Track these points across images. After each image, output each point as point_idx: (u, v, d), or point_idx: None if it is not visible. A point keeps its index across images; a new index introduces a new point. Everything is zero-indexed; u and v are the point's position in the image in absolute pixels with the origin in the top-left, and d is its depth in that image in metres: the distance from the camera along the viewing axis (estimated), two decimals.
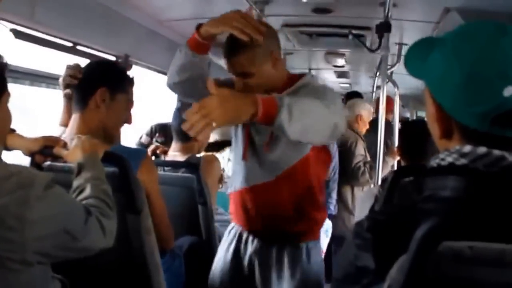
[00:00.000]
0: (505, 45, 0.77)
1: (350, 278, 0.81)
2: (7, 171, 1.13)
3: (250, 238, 1.96)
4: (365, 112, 3.78)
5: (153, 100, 4.49)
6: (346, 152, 3.62)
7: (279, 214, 1.87)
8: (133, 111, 1.90)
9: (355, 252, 0.81)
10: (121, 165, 1.66)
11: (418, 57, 0.88)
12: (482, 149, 0.77)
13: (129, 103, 1.85)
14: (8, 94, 1.26)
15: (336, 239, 3.67)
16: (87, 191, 1.42)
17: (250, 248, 1.95)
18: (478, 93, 0.76)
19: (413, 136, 2.02)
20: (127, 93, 1.84)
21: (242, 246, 1.97)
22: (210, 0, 2.81)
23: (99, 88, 1.76)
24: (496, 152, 0.76)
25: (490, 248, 0.66)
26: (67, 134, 1.81)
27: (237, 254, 1.98)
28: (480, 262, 0.66)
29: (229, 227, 2.06)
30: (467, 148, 0.78)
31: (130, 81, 1.86)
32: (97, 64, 1.89)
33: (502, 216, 0.72)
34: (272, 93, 1.53)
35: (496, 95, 0.75)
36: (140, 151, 1.88)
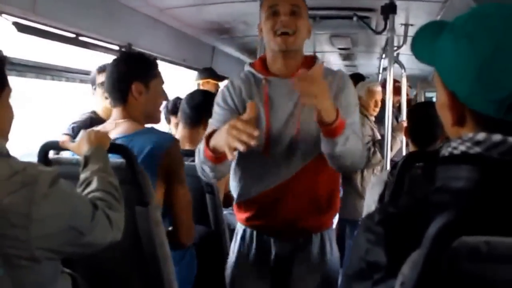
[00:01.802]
0: None
1: (361, 274, 0.78)
2: (11, 169, 1.13)
3: (272, 240, 1.84)
4: (362, 91, 3.72)
5: None
6: None
7: (311, 207, 1.79)
8: None
9: (366, 246, 0.78)
10: (128, 157, 1.66)
11: (426, 43, 0.83)
12: (497, 137, 0.72)
13: (162, 84, 1.96)
14: (9, 89, 1.26)
15: (349, 223, 3.65)
16: (94, 184, 1.41)
17: (273, 250, 1.84)
18: (495, 80, 0.72)
19: (422, 119, 1.98)
20: (157, 76, 1.92)
21: (263, 249, 1.85)
22: None
23: (132, 83, 1.84)
24: (511, 139, 0.72)
25: (508, 243, 0.64)
26: (109, 123, 1.91)
27: (259, 261, 1.85)
28: (497, 258, 0.63)
29: (240, 232, 1.91)
30: (481, 135, 0.74)
31: (156, 65, 1.95)
32: (125, 61, 1.92)
33: None
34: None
35: None
36: (167, 137, 1.88)
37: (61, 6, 2.34)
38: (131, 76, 1.84)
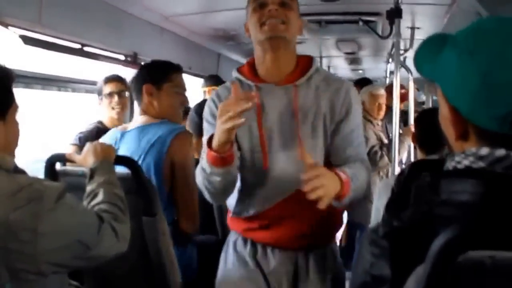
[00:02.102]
0: None
1: (366, 287, 0.78)
2: (18, 184, 1.14)
3: (269, 250, 1.69)
4: (366, 97, 3.70)
5: None
6: None
7: (315, 223, 1.63)
8: None
9: (371, 260, 0.78)
10: (134, 168, 1.68)
11: (429, 57, 0.84)
12: (500, 152, 0.73)
13: (178, 88, 2.13)
14: (16, 106, 1.27)
15: (358, 227, 3.63)
16: (100, 196, 1.42)
17: (273, 262, 1.68)
18: (497, 95, 0.72)
19: (430, 126, 1.92)
20: (171, 80, 2.10)
21: (262, 260, 1.69)
22: None
23: (143, 85, 2.07)
24: None
25: None
26: (131, 125, 2.10)
27: (257, 270, 1.69)
28: (502, 273, 0.63)
29: (236, 241, 1.75)
30: (485, 150, 0.74)
31: (172, 70, 2.14)
32: (141, 68, 2.22)
33: None
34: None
35: None
36: (174, 129, 1.98)
37: (66, 18, 2.35)
38: (144, 79, 2.09)
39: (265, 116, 1.60)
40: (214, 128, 1.52)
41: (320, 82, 1.62)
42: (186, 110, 3.06)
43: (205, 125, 1.69)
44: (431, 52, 0.83)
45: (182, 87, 2.16)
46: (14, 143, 1.30)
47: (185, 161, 1.96)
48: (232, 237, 1.78)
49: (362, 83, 4.36)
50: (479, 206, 0.72)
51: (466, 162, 0.76)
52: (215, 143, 1.42)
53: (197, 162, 2.21)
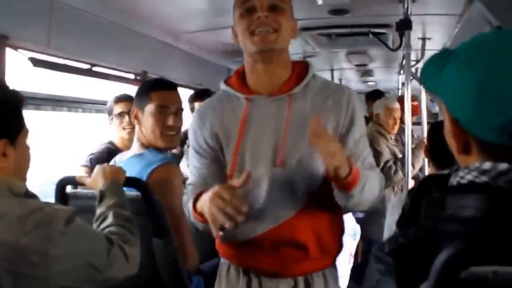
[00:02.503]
0: None
1: None
2: (28, 209, 1.15)
3: (265, 280, 1.53)
4: (381, 110, 3.65)
5: None
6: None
7: (313, 249, 1.49)
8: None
9: (377, 277, 0.79)
10: (143, 190, 1.69)
11: (434, 73, 0.85)
12: (503, 165, 0.73)
13: (162, 108, 1.90)
14: (26, 131, 1.28)
15: (373, 242, 3.57)
16: (110, 219, 1.44)
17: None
18: (494, 105, 0.73)
19: (442, 139, 1.89)
20: (152, 100, 1.90)
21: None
22: (224, 11, 2.77)
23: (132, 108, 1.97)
24: None
25: None
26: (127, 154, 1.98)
27: None
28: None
29: (225, 270, 1.61)
30: (487, 164, 0.74)
31: (153, 89, 1.93)
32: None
33: None
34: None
35: None
36: (151, 163, 1.82)
37: (75, 39, 2.37)
38: (134, 103, 1.98)
39: (248, 131, 1.47)
40: (200, 161, 1.53)
41: (318, 90, 1.49)
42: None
43: (191, 152, 1.59)
44: (436, 67, 0.84)
45: (168, 106, 1.90)
46: (25, 168, 1.31)
47: (165, 201, 1.74)
48: (223, 266, 1.62)
49: (374, 96, 4.33)
50: (482, 221, 0.71)
51: (469, 177, 0.75)
52: (199, 207, 1.36)
53: None
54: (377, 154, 3.46)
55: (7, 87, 1.27)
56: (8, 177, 1.20)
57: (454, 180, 0.79)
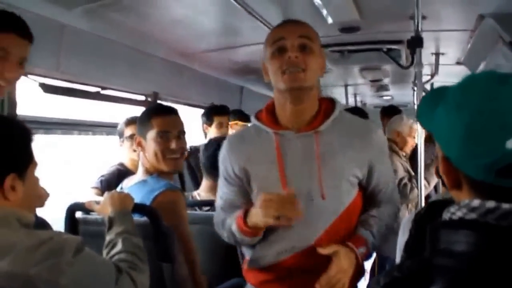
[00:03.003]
0: (505, 95, 0.77)
1: None
2: (37, 239, 1.16)
3: None
4: (405, 127, 3.59)
5: None
6: None
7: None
8: None
9: None
10: (151, 215, 1.70)
11: (427, 112, 0.89)
12: (490, 203, 0.76)
13: (162, 133, 1.90)
14: (35, 164, 1.29)
15: (381, 259, 3.51)
16: (119, 246, 1.46)
17: None
18: (480, 145, 0.77)
19: None
20: (153, 126, 1.91)
21: None
22: (234, 30, 2.78)
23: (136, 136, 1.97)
24: (505, 206, 0.75)
25: None
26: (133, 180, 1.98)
27: None
28: None
29: None
30: (476, 202, 0.78)
31: (153, 115, 1.93)
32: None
33: None
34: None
35: (498, 147, 0.75)
36: (153, 190, 1.82)
37: (85, 62, 2.39)
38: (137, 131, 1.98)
39: (286, 165, 1.56)
40: (228, 185, 1.65)
41: (345, 126, 1.59)
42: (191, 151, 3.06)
43: (221, 181, 1.69)
44: (430, 105, 0.88)
45: (170, 130, 1.90)
46: (34, 200, 1.33)
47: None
48: None
49: (390, 111, 4.27)
50: (473, 256, 0.74)
51: (459, 214, 0.79)
52: (252, 223, 1.50)
53: (203, 203, 2.19)
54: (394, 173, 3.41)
55: (15, 121, 1.30)
56: (17, 209, 1.22)
57: (446, 216, 0.83)
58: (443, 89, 0.88)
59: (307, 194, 1.54)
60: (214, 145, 2.51)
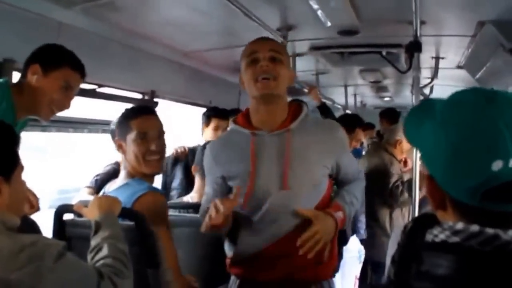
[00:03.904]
0: (492, 115, 0.73)
1: None
2: (21, 243, 1.15)
3: None
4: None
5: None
6: (381, 172, 3.46)
7: (311, 260, 1.69)
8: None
9: None
10: (138, 220, 1.67)
11: (414, 126, 0.86)
12: (474, 228, 0.74)
13: (142, 134, 1.86)
14: (22, 167, 1.29)
15: (374, 265, 3.52)
16: (104, 250, 1.44)
17: None
18: (465, 167, 0.74)
19: None
20: (132, 129, 1.86)
21: None
22: (233, 31, 2.78)
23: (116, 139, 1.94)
24: (489, 230, 0.73)
25: None
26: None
27: None
28: None
29: (230, 282, 1.89)
30: (460, 225, 0.76)
31: (132, 117, 1.88)
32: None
33: None
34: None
35: (484, 169, 0.72)
36: (133, 193, 1.79)
37: (83, 60, 2.36)
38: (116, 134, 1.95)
39: (258, 163, 1.73)
40: (212, 186, 1.86)
41: (312, 126, 1.79)
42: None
43: (207, 180, 1.91)
44: (417, 120, 0.85)
45: (148, 131, 1.86)
46: (20, 203, 1.34)
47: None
48: (232, 282, 1.87)
49: (389, 114, 4.26)
50: (453, 280, 0.73)
51: (442, 236, 0.77)
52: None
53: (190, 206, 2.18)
54: (389, 176, 3.42)
55: (1, 124, 1.28)
56: (2, 212, 1.21)
57: (429, 237, 0.80)
58: (432, 104, 0.84)
59: (279, 186, 1.71)
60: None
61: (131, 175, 1.88)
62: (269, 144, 1.74)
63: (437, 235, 0.79)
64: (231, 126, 1.85)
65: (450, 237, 0.76)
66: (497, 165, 0.71)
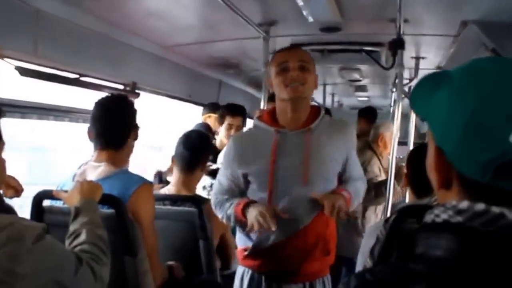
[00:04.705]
0: None
1: None
2: None
3: (280, 285, 1.98)
4: (388, 133, 3.62)
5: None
6: None
7: (320, 252, 1.97)
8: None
9: None
10: (118, 208, 1.67)
11: (425, 96, 0.79)
12: (480, 206, 0.69)
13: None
14: (3, 143, 1.28)
15: (345, 261, 3.54)
16: (83, 236, 1.43)
17: None
18: (482, 138, 0.68)
19: (423, 166, 1.79)
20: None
21: None
22: (214, 25, 2.77)
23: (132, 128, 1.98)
24: (495, 209, 0.68)
25: None
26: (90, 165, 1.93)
27: None
28: None
29: (240, 274, 2.06)
30: (464, 204, 0.70)
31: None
32: (126, 104, 2.03)
33: (496, 280, 0.66)
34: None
35: (502, 141, 0.67)
36: (137, 179, 1.82)
37: (63, 49, 2.35)
38: (132, 121, 1.94)
39: (279, 158, 1.90)
40: (228, 177, 2.00)
41: (328, 126, 1.98)
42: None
43: (225, 172, 2.02)
44: (428, 89, 0.79)
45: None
46: (1, 181, 1.34)
47: (143, 225, 1.79)
48: (242, 272, 2.04)
49: (368, 113, 4.29)
50: (449, 263, 0.69)
51: (444, 216, 0.72)
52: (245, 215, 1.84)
53: (183, 198, 2.17)
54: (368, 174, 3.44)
55: None
56: None
57: (429, 218, 0.75)
58: (447, 72, 0.78)
59: (299, 181, 1.88)
60: (197, 138, 2.44)
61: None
62: (290, 142, 1.92)
63: (438, 215, 0.74)
64: (255, 122, 2.03)
65: (453, 217, 0.71)
66: None
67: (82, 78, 2.52)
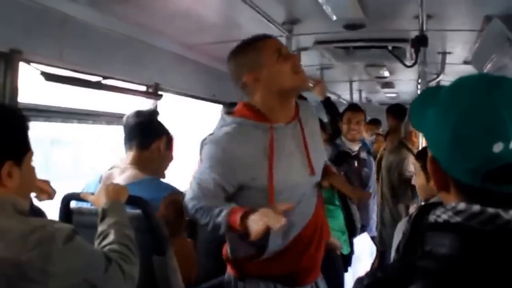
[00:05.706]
0: (496, 99, 0.75)
1: None
2: (31, 226, 1.18)
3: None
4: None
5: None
6: (394, 169, 3.46)
7: (318, 253, 1.89)
8: None
9: None
10: (144, 208, 1.71)
11: (419, 111, 0.88)
12: (476, 207, 0.75)
13: None
14: (31, 153, 1.31)
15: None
16: (111, 237, 1.47)
17: None
18: (467, 149, 0.76)
19: None
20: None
21: None
22: (237, 23, 2.77)
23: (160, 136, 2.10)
24: (490, 210, 0.74)
25: None
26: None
27: None
28: None
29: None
30: (461, 205, 0.77)
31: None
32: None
33: (496, 276, 0.71)
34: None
35: (485, 151, 0.74)
36: (165, 187, 1.90)
37: (87, 52, 2.39)
38: (158, 125, 2.05)
39: (278, 154, 1.71)
40: (220, 182, 1.69)
41: (303, 111, 1.86)
42: None
43: (210, 174, 1.71)
44: (421, 105, 0.87)
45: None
46: (29, 188, 1.37)
47: (173, 228, 1.82)
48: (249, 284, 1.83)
49: (396, 110, 4.24)
50: (454, 259, 0.75)
51: (445, 216, 0.79)
52: (245, 225, 1.55)
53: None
54: (401, 173, 3.41)
55: (13, 109, 1.33)
56: (13, 195, 1.24)
57: (432, 218, 0.82)
58: (437, 89, 0.86)
59: (301, 173, 1.77)
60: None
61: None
62: (288, 136, 1.76)
63: (439, 215, 0.80)
64: (237, 120, 1.73)
65: (452, 217, 0.78)
66: (497, 147, 0.73)
67: (104, 81, 2.55)
